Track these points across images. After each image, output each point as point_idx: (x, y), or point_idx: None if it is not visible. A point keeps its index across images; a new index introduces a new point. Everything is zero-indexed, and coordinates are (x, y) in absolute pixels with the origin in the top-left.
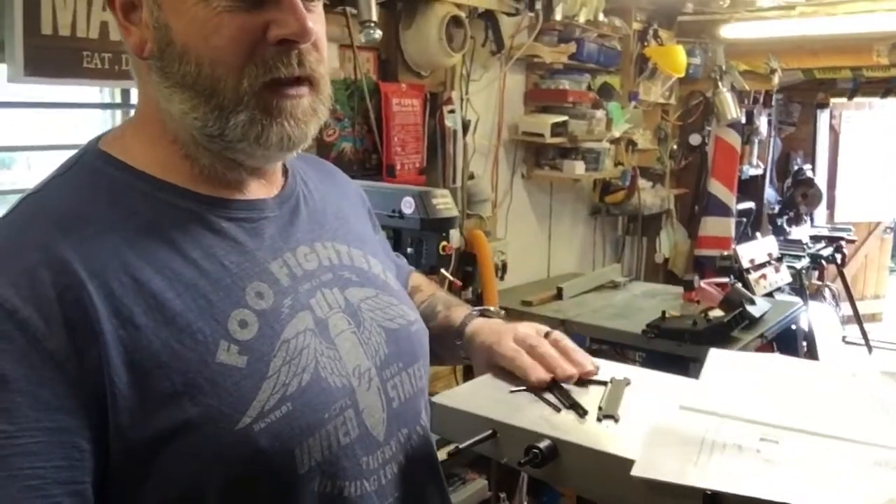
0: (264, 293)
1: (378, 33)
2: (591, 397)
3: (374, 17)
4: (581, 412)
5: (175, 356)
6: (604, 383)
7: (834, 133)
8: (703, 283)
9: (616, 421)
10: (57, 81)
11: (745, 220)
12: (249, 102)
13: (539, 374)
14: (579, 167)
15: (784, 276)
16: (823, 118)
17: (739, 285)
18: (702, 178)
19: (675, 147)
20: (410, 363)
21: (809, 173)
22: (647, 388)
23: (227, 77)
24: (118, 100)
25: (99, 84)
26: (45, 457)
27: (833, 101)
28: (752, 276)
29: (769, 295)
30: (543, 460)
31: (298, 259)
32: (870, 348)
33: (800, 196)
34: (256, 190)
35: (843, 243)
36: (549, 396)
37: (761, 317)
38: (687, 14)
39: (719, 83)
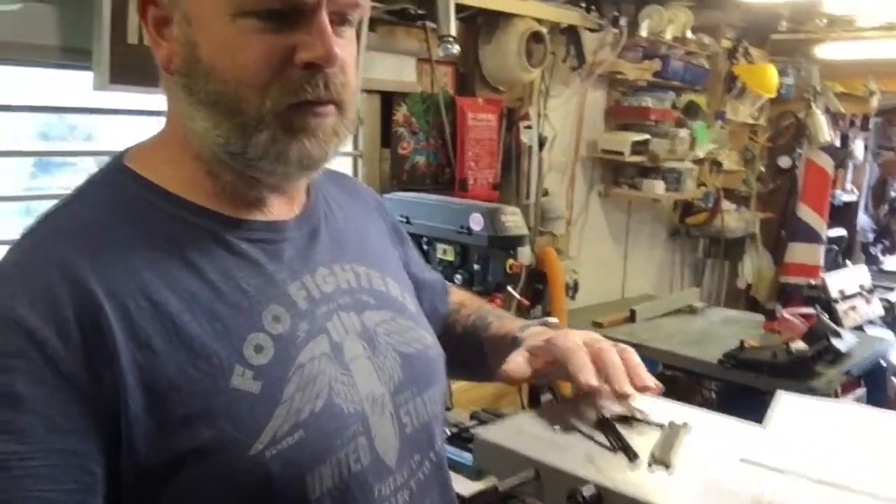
0: (281, 317)
1: (456, 48)
2: (644, 440)
3: (453, 32)
4: (632, 456)
5: (190, 381)
6: (660, 426)
7: None
8: (785, 313)
9: (668, 469)
10: (141, 90)
11: (836, 247)
12: (272, 122)
13: (590, 377)
14: (659, 187)
15: (876, 309)
16: None
17: (826, 316)
18: (790, 203)
19: (762, 169)
20: (425, 388)
21: None
22: (708, 434)
23: (251, 96)
24: None
25: None
26: (57, 480)
27: None
28: (841, 308)
29: (859, 328)
30: None
31: (317, 281)
32: None
33: None
34: (278, 209)
35: None
36: (599, 436)
37: (848, 351)
38: (781, 32)
39: (812, 104)
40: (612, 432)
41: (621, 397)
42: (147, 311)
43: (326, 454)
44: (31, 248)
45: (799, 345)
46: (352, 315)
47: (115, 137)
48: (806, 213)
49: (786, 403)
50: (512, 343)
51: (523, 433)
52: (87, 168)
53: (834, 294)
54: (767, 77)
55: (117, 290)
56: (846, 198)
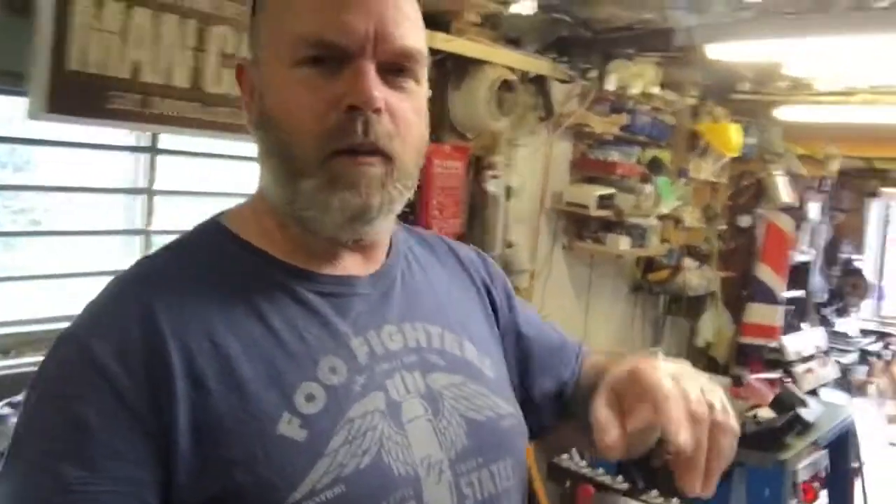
0: (338, 368)
1: (427, 92)
2: None
3: None
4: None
5: (238, 423)
6: None
7: (884, 223)
8: (752, 379)
9: None
10: (80, 121)
11: (792, 308)
12: (317, 170)
13: (687, 437)
14: (624, 242)
15: (832, 371)
16: (874, 207)
17: (791, 384)
18: (749, 262)
19: (723, 227)
20: (494, 460)
21: (858, 263)
22: None
23: (300, 143)
24: (147, 143)
25: (126, 126)
26: None
27: (884, 190)
28: (799, 370)
29: (813, 391)
30: None
31: (382, 338)
32: None
33: (849, 286)
34: (352, 266)
35: (893, 338)
36: None
37: (815, 421)
38: (741, 92)
39: (770, 165)
40: None
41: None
42: (207, 352)
43: None
44: (117, 289)
45: (765, 412)
46: (416, 375)
47: (54, 168)
48: (765, 272)
49: None
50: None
51: None
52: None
53: (792, 356)
54: (730, 136)
55: (184, 331)
56: (801, 258)
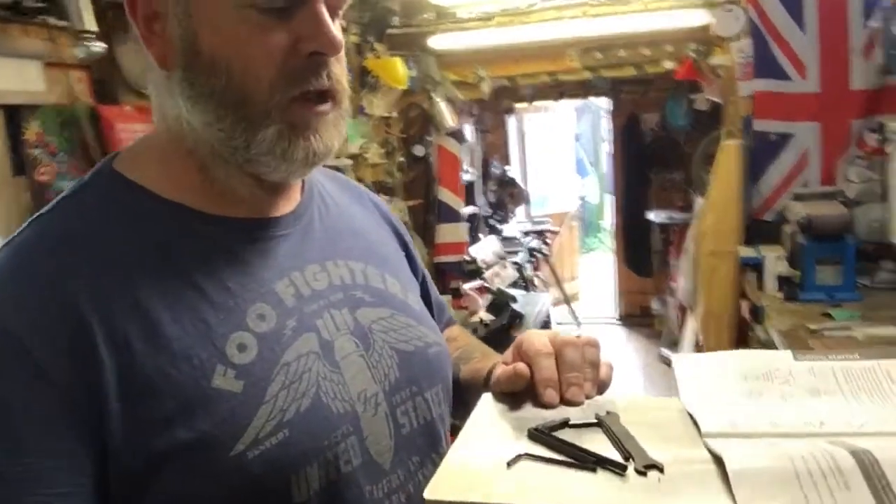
0: (266, 314)
1: (99, 46)
2: (595, 444)
3: (93, 27)
4: (619, 468)
5: (170, 382)
6: (596, 424)
7: (521, 135)
8: (467, 289)
9: (662, 471)
10: None
11: (469, 223)
12: (277, 116)
13: (554, 398)
14: None
15: (511, 272)
16: (512, 123)
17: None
18: (431, 188)
19: (401, 159)
20: (427, 387)
21: (511, 174)
22: (639, 416)
23: (258, 89)
24: None
25: None
26: (51, 484)
27: (517, 106)
28: (489, 276)
29: None
30: None
31: (307, 278)
32: (578, 324)
33: (508, 196)
34: (271, 207)
35: (548, 234)
36: (555, 455)
37: (524, 311)
38: (395, 27)
39: (433, 94)
40: (562, 444)
41: (574, 402)
42: (129, 314)
43: (313, 455)
44: (18, 255)
45: (487, 316)
46: (344, 312)
47: None
48: (445, 195)
49: (683, 366)
50: (484, 382)
51: (481, 475)
52: None
53: (482, 265)
54: (397, 70)
55: (103, 294)
56: (468, 178)
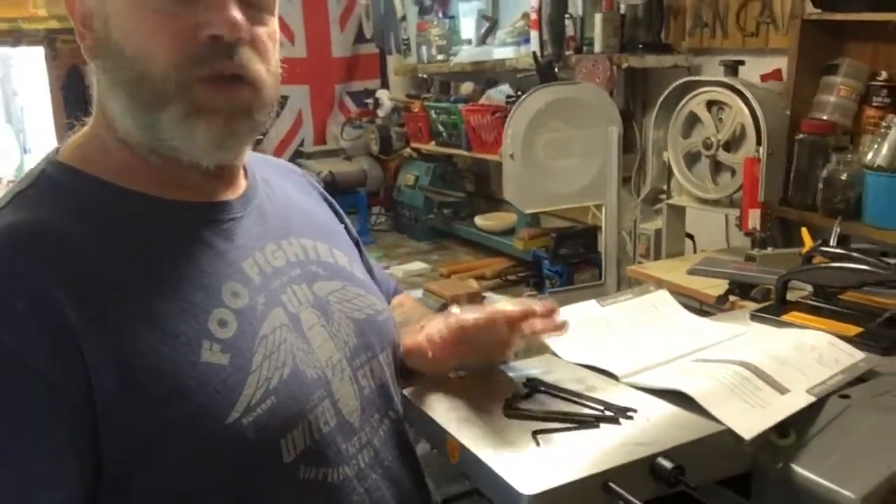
0: (239, 292)
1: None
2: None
3: None
4: (623, 414)
5: (160, 359)
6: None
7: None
8: None
9: (636, 412)
10: None
11: None
12: (178, 96)
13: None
14: None
15: None
16: None
17: None
18: None
19: None
20: (380, 351)
21: None
22: (554, 377)
23: (157, 71)
24: None
25: None
26: (34, 468)
27: None
28: None
29: None
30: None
31: (267, 257)
32: None
33: None
34: (219, 192)
35: None
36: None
37: None
38: None
39: None
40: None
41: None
42: (107, 294)
43: (297, 418)
44: None
45: None
46: (304, 287)
47: None
48: None
49: None
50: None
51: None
52: None
53: None
54: None
55: (77, 284)
56: None
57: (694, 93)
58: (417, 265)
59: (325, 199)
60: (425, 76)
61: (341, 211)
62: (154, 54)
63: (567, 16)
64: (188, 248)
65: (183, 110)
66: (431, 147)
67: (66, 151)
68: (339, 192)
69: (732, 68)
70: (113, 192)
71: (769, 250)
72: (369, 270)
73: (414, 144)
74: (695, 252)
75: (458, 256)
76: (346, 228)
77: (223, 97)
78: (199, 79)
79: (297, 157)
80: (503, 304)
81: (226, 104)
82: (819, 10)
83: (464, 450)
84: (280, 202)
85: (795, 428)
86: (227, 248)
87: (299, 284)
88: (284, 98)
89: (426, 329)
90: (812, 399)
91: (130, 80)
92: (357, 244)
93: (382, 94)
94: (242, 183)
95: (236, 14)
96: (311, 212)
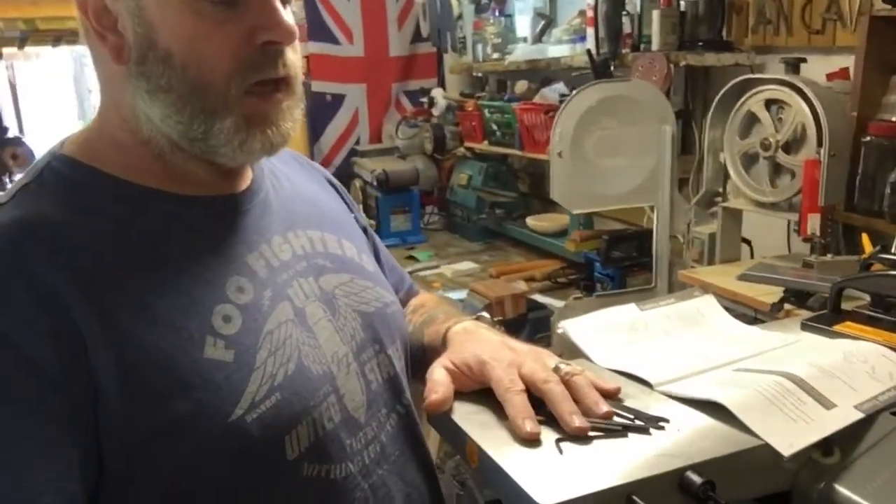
0: (244, 287)
1: None
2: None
3: None
4: (654, 424)
5: (163, 355)
6: None
7: (12, 85)
8: None
9: (668, 422)
10: None
11: None
12: (235, 108)
13: (526, 425)
14: None
15: None
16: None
17: None
18: None
19: None
20: (388, 344)
21: (14, 132)
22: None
23: (214, 81)
24: None
25: None
26: (34, 467)
27: (5, 51)
28: None
29: None
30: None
31: (274, 250)
32: None
33: (10, 158)
34: (227, 186)
35: None
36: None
37: None
38: None
39: None
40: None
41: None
42: (113, 293)
43: (302, 415)
44: None
45: None
46: (310, 280)
47: None
48: None
49: (578, 330)
50: (442, 344)
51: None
52: None
53: None
54: None
55: (80, 277)
56: None
57: (752, 91)
58: (467, 265)
59: (331, 184)
60: (480, 75)
61: (348, 196)
62: (211, 63)
63: (624, 13)
64: (193, 242)
65: (236, 121)
66: (484, 146)
67: (72, 146)
68: (391, 190)
69: (793, 66)
70: (118, 186)
71: (828, 257)
72: (379, 261)
73: (468, 143)
74: (752, 258)
75: (509, 257)
76: (356, 218)
77: (269, 104)
78: (250, 87)
79: (352, 155)
80: (555, 363)
81: (274, 112)
82: (889, 6)
83: (483, 454)
84: (286, 193)
85: (841, 446)
86: (232, 243)
87: (305, 278)
88: (341, 97)
89: (451, 356)
90: (860, 415)
91: (186, 90)
92: (365, 231)
93: (437, 93)
94: (249, 175)
95: (288, 17)
96: (317, 201)
